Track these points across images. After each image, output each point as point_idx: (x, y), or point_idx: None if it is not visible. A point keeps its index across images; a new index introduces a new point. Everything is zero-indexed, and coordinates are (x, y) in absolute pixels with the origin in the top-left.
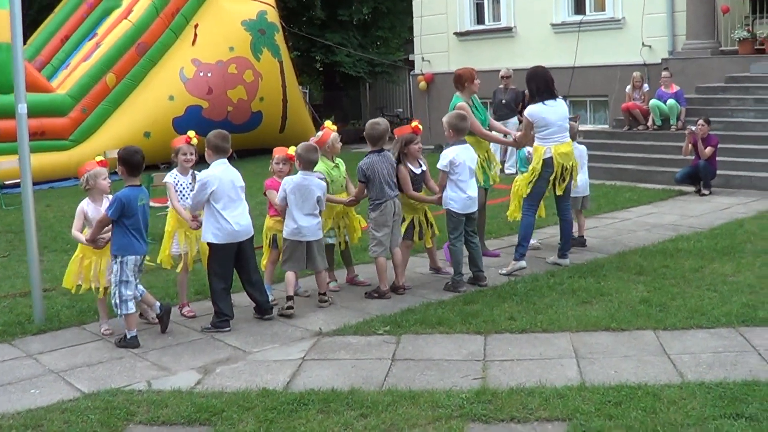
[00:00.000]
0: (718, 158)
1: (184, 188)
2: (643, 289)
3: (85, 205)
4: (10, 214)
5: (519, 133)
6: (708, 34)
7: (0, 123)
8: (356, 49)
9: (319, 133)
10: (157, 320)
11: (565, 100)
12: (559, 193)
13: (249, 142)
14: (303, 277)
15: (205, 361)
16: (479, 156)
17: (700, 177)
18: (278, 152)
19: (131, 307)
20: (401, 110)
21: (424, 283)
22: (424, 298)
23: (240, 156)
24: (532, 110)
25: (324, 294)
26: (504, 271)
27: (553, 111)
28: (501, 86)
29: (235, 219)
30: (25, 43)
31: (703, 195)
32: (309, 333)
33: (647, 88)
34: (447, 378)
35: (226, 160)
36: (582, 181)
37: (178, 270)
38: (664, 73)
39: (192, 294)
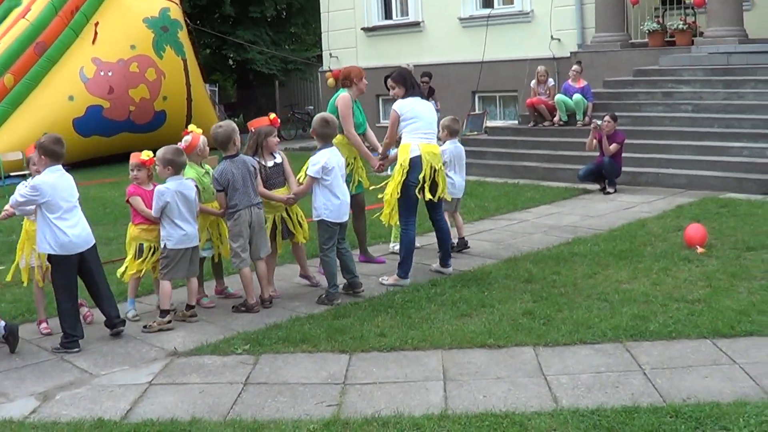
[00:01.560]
0: (624, 154)
1: None
2: (528, 300)
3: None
4: None
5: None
6: (617, 26)
7: None
8: (269, 47)
9: (187, 138)
10: (3, 341)
11: (474, 96)
12: (429, 197)
13: (153, 142)
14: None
15: (47, 386)
16: (349, 159)
17: (604, 175)
18: (134, 158)
19: None
20: (312, 107)
21: (297, 294)
22: (294, 311)
23: None
24: (401, 103)
25: (194, 306)
26: (385, 282)
27: (422, 105)
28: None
29: (71, 230)
30: None
31: (608, 193)
32: (164, 353)
33: (552, 83)
34: (299, 405)
35: (60, 167)
36: (459, 183)
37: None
38: (575, 67)
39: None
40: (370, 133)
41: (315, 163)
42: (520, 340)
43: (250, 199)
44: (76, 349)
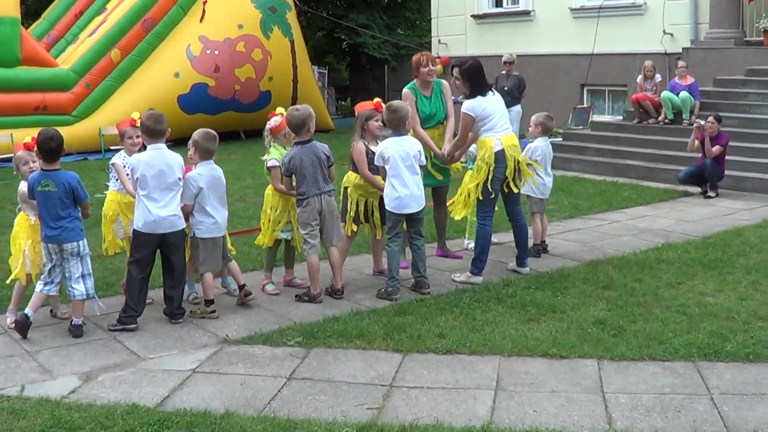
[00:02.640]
0: (728, 157)
1: None
2: (603, 307)
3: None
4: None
5: (447, 145)
6: (732, 22)
7: (5, 97)
8: (382, 31)
9: (277, 119)
10: (65, 316)
11: (583, 89)
12: (514, 189)
13: (257, 122)
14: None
15: (93, 366)
16: (427, 151)
17: (706, 178)
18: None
19: (38, 287)
20: None
21: (365, 286)
22: (357, 304)
23: (248, 136)
24: (471, 104)
25: (245, 285)
26: (457, 279)
27: (491, 101)
28: (503, 72)
29: (158, 209)
30: (39, 16)
31: (709, 197)
32: (215, 339)
33: (659, 79)
34: (339, 405)
35: (161, 146)
36: (549, 182)
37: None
38: (680, 63)
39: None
40: (450, 124)
41: (375, 153)
42: (585, 351)
43: (319, 186)
44: (133, 325)
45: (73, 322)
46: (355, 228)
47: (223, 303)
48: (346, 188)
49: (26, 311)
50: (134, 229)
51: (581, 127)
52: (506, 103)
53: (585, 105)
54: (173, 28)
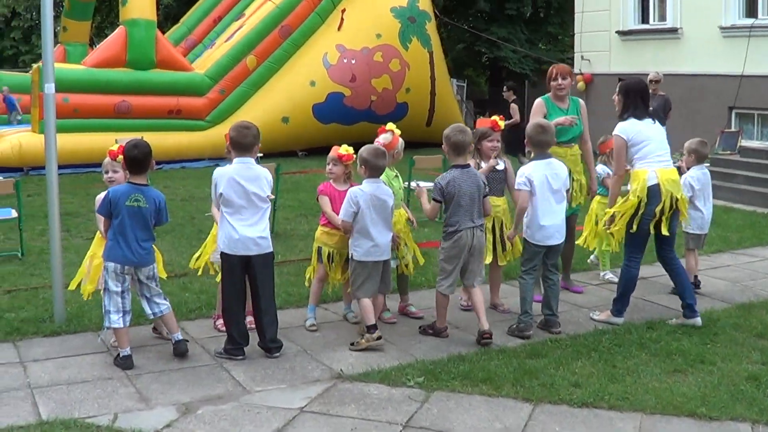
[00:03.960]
0: None
1: None
2: (757, 360)
3: (101, 195)
4: None
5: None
6: None
7: (140, 99)
8: (523, 45)
9: (387, 136)
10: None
11: (731, 112)
12: (665, 233)
13: None
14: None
15: (193, 396)
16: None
17: None
18: (332, 151)
19: (114, 321)
20: None
21: (492, 321)
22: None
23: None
24: (624, 126)
25: (376, 327)
26: (596, 318)
27: (648, 126)
28: (649, 91)
29: (243, 229)
30: (179, 21)
31: None
32: (329, 374)
33: None
34: None
35: (249, 160)
36: (708, 215)
37: (218, 279)
38: None
39: None
40: (587, 145)
41: (520, 174)
42: (737, 413)
43: (473, 219)
44: (241, 357)
45: (174, 338)
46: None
47: (341, 331)
48: None
49: (124, 352)
50: (221, 252)
51: (729, 152)
52: None
53: (733, 129)
54: (310, 35)
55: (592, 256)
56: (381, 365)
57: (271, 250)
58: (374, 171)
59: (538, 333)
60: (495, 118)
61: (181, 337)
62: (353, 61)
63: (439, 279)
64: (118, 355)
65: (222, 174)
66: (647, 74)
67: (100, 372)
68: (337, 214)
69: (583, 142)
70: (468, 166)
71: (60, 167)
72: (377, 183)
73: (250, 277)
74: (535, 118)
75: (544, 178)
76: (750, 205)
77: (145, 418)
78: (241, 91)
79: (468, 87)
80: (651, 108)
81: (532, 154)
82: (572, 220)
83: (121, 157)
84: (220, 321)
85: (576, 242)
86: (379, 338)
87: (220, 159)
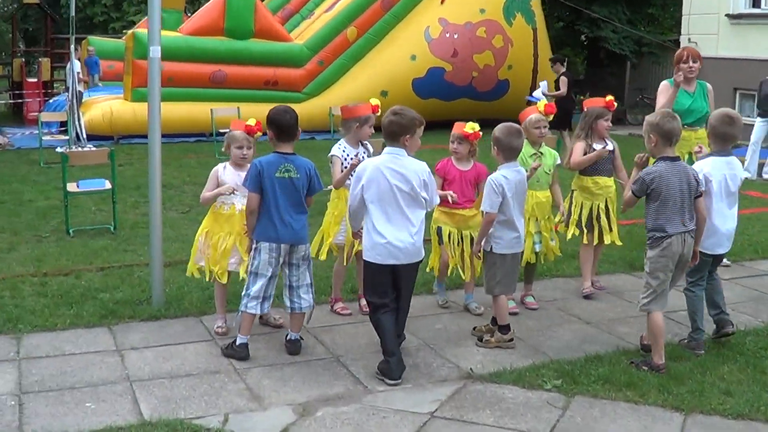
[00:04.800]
0: None
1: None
2: None
3: (221, 169)
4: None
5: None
6: None
7: (236, 69)
8: (624, 25)
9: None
10: (280, 323)
11: None
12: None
13: (492, 111)
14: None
15: (310, 395)
16: (684, 153)
17: None
18: (456, 128)
19: (251, 306)
20: None
21: (626, 317)
22: (622, 340)
23: (482, 125)
24: None
25: (509, 329)
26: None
27: None
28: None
29: (390, 232)
30: None
31: None
32: (457, 373)
33: None
34: None
35: (401, 151)
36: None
37: (343, 262)
38: None
39: (347, 290)
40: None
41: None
42: None
43: (684, 222)
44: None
45: (290, 337)
46: (576, 232)
47: (462, 322)
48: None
49: (242, 339)
50: (364, 259)
51: None
52: None
53: None
54: (412, 8)
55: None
56: (513, 365)
57: (422, 257)
58: (510, 153)
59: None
60: (609, 97)
61: (297, 337)
62: (455, 36)
63: (643, 297)
64: (232, 343)
65: (365, 166)
66: (757, 60)
67: (205, 364)
68: (454, 193)
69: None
70: (678, 158)
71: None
72: (515, 166)
73: (396, 286)
74: (662, 97)
75: (722, 179)
76: None
77: (258, 421)
78: (340, 63)
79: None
80: None
81: (711, 147)
82: None
83: (259, 133)
84: (339, 305)
85: None
86: (511, 340)
87: (317, 132)
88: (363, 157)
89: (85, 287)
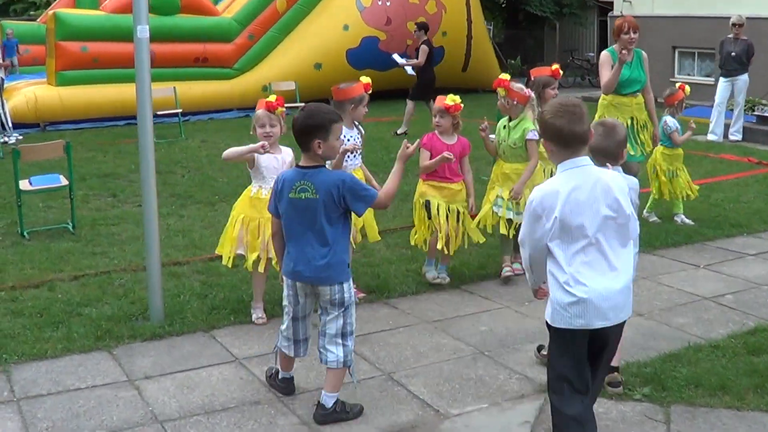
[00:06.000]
0: None
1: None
2: None
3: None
4: (160, 148)
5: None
6: None
7: (164, 47)
8: None
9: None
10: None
11: None
12: None
13: None
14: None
15: (380, 426)
16: (627, 119)
17: None
18: (439, 102)
19: (283, 345)
20: (592, 54)
21: (675, 305)
22: (684, 332)
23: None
24: None
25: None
26: None
27: None
28: (730, 36)
29: (595, 281)
30: None
31: None
32: (530, 386)
33: None
34: None
35: (585, 160)
36: None
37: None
38: None
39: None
40: (649, 94)
41: None
42: None
43: None
44: None
45: (321, 399)
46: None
47: (509, 321)
48: None
49: (284, 374)
50: (549, 325)
51: None
52: (733, 71)
53: None
54: None
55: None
56: None
57: (630, 314)
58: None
59: (720, 320)
60: (556, 66)
61: (328, 401)
62: (388, 3)
63: None
64: (275, 374)
65: (544, 191)
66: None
67: (240, 393)
68: (450, 153)
69: (646, 92)
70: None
71: (78, 121)
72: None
73: (595, 355)
74: (604, 69)
75: None
76: None
77: None
78: (271, 36)
79: None
80: (733, 53)
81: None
82: (634, 168)
83: (281, 109)
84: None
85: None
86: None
87: (250, 109)
88: (357, 139)
89: (64, 301)
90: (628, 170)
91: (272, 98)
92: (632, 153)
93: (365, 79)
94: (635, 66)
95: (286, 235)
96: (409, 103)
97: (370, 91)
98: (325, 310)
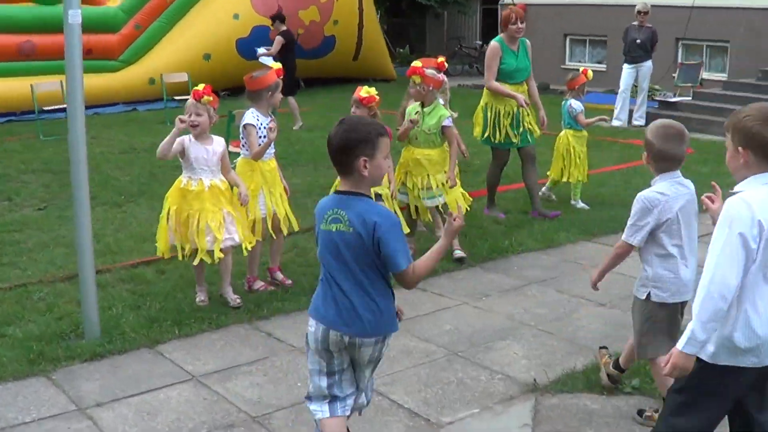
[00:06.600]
0: None
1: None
2: None
3: (187, 141)
4: (49, 146)
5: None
6: None
7: (46, 38)
8: None
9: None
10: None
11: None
12: None
13: (319, 69)
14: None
15: None
16: (514, 107)
17: None
18: (355, 93)
19: (314, 410)
20: (480, 43)
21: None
22: None
23: (309, 85)
24: None
25: None
26: None
27: None
28: (635, 23)
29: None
30: None
31: None
32: (517, 386)
33: None
34: None
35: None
36: None
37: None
38: None
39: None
40: (532, 81)
41: None
42: None
43: None
44: None
45: None
46: None
47: (472, 324)
48: None
49: None
50: (704, 363)
51: (689, 85)
52: (638, 57)
53: (693, 62)
54: None
55: (543, 189)
56: (566, 367)
57: None
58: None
59: None
60: (441, 59)
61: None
62: None
63: None
64: None
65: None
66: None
67: (207, 415)
68: None
69: (530, 79)
70: None
71: None
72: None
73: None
74: (493, 61)
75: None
76: None
77: None
78: (158, 26)
79: None
80: (638, 41)
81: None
82: (531, 150)
83: (207, 98)
84: (259, 283)
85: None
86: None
87: (137, 103)
88: (275, 124)
89: None
90: (526, 155)
91: (200, 87)
92: (522, 140)
93: (276, 65)
94: (521, 55)
95: (322, 274)
96: (290, 99)
97: (281, 76)
98: (359, 367)
